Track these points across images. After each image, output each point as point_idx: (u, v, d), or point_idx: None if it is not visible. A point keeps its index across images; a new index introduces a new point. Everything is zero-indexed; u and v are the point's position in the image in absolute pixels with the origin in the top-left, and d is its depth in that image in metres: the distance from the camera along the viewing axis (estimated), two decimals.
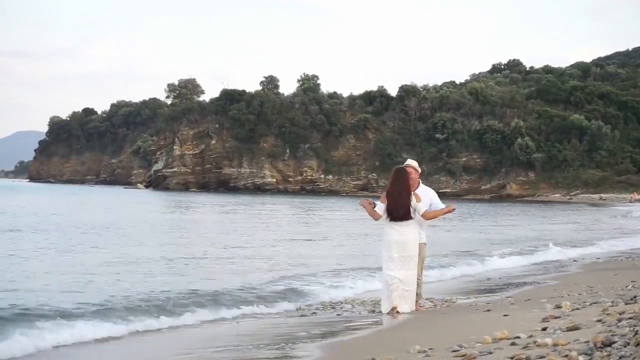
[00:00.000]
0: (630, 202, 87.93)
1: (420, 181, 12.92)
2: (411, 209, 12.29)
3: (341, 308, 13.65)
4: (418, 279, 12.59)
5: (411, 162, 12.94)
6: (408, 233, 12.27)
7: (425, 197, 12.61)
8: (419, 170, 12.89)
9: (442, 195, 13.21)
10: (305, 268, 19.76)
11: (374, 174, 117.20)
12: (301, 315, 13.03)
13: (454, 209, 12.92)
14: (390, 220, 12.36)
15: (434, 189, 13.37)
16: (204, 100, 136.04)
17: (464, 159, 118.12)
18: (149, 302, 13.22)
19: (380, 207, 12.41)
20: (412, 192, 12.38)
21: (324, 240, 30.50)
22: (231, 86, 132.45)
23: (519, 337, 8.53)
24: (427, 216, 12.47)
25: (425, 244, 12.87)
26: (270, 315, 13.16)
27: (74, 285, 15.31)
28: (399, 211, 12.28)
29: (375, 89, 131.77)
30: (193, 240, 29.10)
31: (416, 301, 12.56)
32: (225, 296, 14.33)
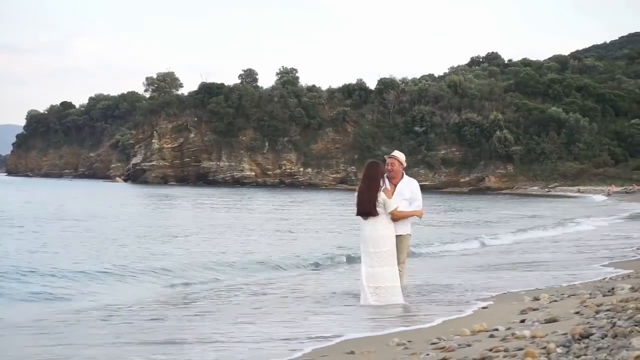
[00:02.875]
0: (608, 195, 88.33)
1: (404, 173, 12.90)
2: (378, 205, 12.18)
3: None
4: (400, 270, 12.59)
5: (395, 154, 12.92)
6: (380, 228, 12.18)
7: (406, 188, 12.64)
8: (403, 162, 12.83)
9: (421, 188, 13.18)
10: None
11: (352, 167, 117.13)
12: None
13: (421, 216, 12.93)
14: (358, 215, 12.37)
15: None
16: (182, 94, 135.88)
17: (442, 152, 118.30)
18: None
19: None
20: (383, 188, 12.27)
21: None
22: (210, 79, 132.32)
23: (497, 330, 8.55)
24: (395, 215, 12.33)
25: (409, 234, 12.86)
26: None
27: None
28: (365, 207, 12.22)
29: (354, 82, 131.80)
30: None
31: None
32: None
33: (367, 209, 12.18)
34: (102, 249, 21.75)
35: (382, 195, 12.21)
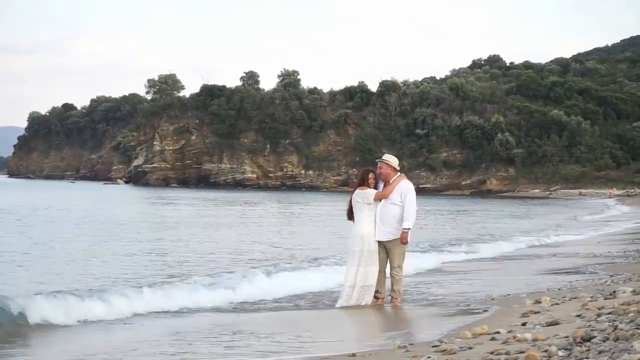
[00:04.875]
0: (610, 198, 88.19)
1: (399, 174, 12.87)
2: (355, 207, 12.76)
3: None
4: (395, 275, 12.61)
5: (384, 157, 12.96)
6: (355, 229, 12.76)
7: (395, 191, 12.68)
8: (394, 165, 12.85)
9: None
10: None
11: (354, 170, 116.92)
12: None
13: (405, 240, 12.83)
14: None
15: (414, 184, 13.31)
16: (184, 96, 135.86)
17: (444, 155, 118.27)
18: None
19: None
20: (359, 187, 12.81)
21: None
22: (211, 82, 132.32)
23: (498, 332, 8.55)
24: (377, 197, 12.70)
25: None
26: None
27: None
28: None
29: (355, 84, 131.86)
30: None
31: (394, 298, 12.58)
32: None
33: (347, 213, 12.99)
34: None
35: (357, 195, 12.76)
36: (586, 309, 9.67)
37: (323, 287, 15.11)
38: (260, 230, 32.82)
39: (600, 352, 6.53)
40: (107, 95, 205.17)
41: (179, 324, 11.35)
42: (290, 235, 30.36)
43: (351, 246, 12.73)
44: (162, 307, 12.61)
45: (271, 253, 22.44)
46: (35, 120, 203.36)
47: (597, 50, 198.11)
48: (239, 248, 24.06)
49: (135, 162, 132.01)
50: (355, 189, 12.87)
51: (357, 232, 12.65)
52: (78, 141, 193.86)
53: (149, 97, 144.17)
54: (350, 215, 12.83)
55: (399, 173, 12.87)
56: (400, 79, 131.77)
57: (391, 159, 12.89)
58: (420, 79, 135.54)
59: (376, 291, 12.64)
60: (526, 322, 9.21)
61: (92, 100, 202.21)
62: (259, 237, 28.99)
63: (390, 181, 12.73)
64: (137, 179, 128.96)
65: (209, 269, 17.54)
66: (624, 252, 21.65)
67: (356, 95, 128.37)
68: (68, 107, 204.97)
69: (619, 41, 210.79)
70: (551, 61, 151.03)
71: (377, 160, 13.03)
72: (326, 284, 15.31)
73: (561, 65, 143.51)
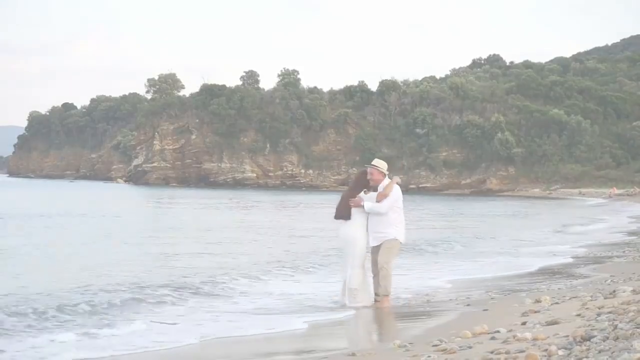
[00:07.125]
0: (610, 197, 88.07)
1: (387, 178, 12.91)
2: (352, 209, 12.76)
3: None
4: (380, 270, 12.60)
5: (374, 162, 13.07)
6: (341, 232, 12.88)
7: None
8: (383, 170, 12.92)
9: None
10: None
11: (354, 169, 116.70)
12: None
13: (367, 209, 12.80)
14: None
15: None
16: (184, 95, 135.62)
17: (444, 154, 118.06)
18: None
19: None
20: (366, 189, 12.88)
21: None
22: (211, 81, 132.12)
23: (498, 332, 8.56)
24: (379, 197, 12.71)
25: (395, 239, 12.79)
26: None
27: None
28: (335, 211, 13.03)
29: (355, 83, 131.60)
30: None
31: (386, 296, 12.58)
32: None
33: (335, 212, 13.03)
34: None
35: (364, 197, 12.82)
36: (586, 309, 9.68)
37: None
38: None
39: (600, 352, 6.54)
40: (107, 95, 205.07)
41: None
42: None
43: (340, 249, 13.30)
44: None
45: None
46: (35, 120, 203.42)
47: (597, 49, 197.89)
48: None
49: (135, 162, 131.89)
50: (347, 196, 12.95)
51: (338, 237, 13.11)
52: (78, 141, 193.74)
53: (149, 96, 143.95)
54: (337, 214, 12.98)
55: (386, 177, 12.94)
56: (400, 78, 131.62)
57: (380, 164, 13.03)
58: (420, 79, 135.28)
59: (375, 294, 12.67)
60: (526, 322, 9.22)
61: (92, 100, 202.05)
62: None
63: (380, 186, 12.77)
64: (137, 178, 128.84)
65: None
66: (624, 252, 21.66)
67: (356, 94, 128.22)
68: (68, 106, 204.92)
69: (619, 41, 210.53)
70: (551, 60, 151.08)
71: (366, 166, 13.12)
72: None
73: (561, 64, 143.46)
